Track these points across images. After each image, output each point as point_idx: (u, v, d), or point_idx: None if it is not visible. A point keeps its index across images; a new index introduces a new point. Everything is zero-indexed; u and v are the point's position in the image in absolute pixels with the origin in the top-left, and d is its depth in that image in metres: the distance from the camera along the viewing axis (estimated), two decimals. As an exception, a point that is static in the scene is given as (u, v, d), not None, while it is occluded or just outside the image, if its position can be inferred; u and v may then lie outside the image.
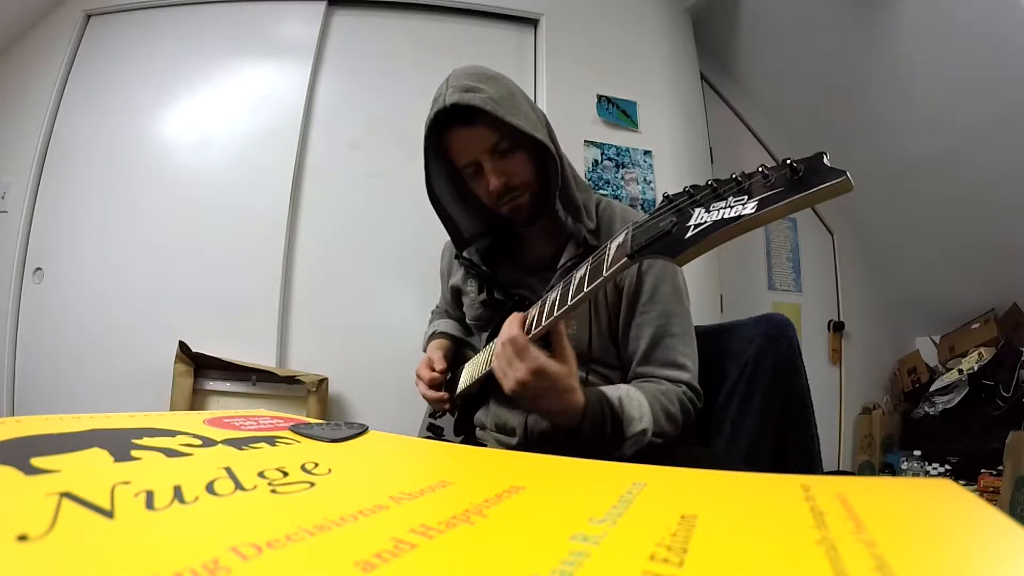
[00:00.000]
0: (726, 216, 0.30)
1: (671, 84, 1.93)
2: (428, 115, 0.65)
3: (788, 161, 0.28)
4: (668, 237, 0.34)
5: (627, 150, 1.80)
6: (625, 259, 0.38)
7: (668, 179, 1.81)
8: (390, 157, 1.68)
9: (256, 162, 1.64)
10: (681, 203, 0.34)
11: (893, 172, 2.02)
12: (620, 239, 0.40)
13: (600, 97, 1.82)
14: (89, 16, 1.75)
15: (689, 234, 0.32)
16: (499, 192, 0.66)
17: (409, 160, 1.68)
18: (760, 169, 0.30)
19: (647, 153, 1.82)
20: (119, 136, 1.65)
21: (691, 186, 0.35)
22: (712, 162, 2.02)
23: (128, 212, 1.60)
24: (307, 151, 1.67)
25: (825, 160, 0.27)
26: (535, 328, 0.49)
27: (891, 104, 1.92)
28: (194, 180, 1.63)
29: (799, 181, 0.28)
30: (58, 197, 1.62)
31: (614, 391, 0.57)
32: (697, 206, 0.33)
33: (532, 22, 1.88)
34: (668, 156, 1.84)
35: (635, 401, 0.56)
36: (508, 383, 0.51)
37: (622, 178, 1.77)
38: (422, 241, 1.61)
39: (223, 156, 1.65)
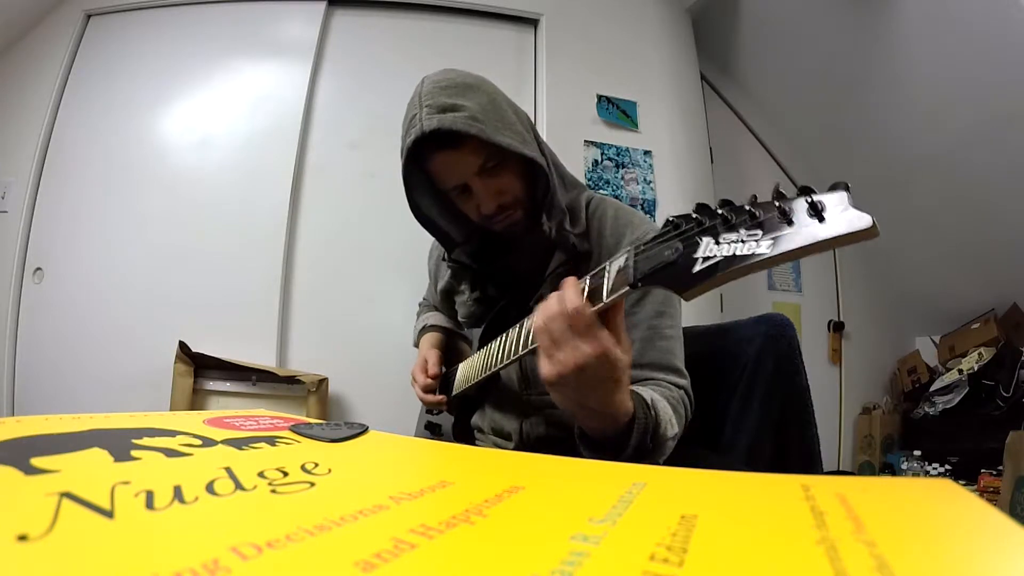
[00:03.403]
0: (738, 253, 0.28)
1: (671, 84, 1.93)
2: (404, 139, 0.59)
3: (810, 198, 0.26)
4: (673, 267, 0.32)
5: (627, 150, 1.80)
6: (627, 287, 0.36)
7: (668, 179, 1.81)
8: (390, 157, 1.65)
9: (256, 162, 1.64)
10: (688, 230, 0.32)
11: (893, 172, 2.02)
12: (620, 262, 0.37)
13: (600, 97, 1.82)
14: (89, 16, 1.75)
15: (697, 268, 0.30)
16: (492, 214, 0.62)
17: (409, 160, 1.69)
18: (776, 203, 0.27)
19: (647, 153, 1.82)
20: (119, 136, 1.65)
21: (698, 206, 0.32)
22: (712, 162, 2.02)
23: (128, 212, 1.60)
24: (307, 151, 1.67)
25: (848, 199, 0.25)
26: (598, 300, 0.39)
27: (891, 104, 1.92)
28: (194, 180, 1.63)
29: (820, 222, 0.25)
30: (58, 197, 1.62)
31: (642, 390, 0.50)
32: (705, 235, 0.30)
33: (532, 22, 1.88)
34: (668, 156, 1.84)
35: (659, 402, 0.51)
36: (556, 366, 0.40)
37: (622, 178, 1.77)
38: (422, 241, 1.61)
39: (223, 156, 1.65)
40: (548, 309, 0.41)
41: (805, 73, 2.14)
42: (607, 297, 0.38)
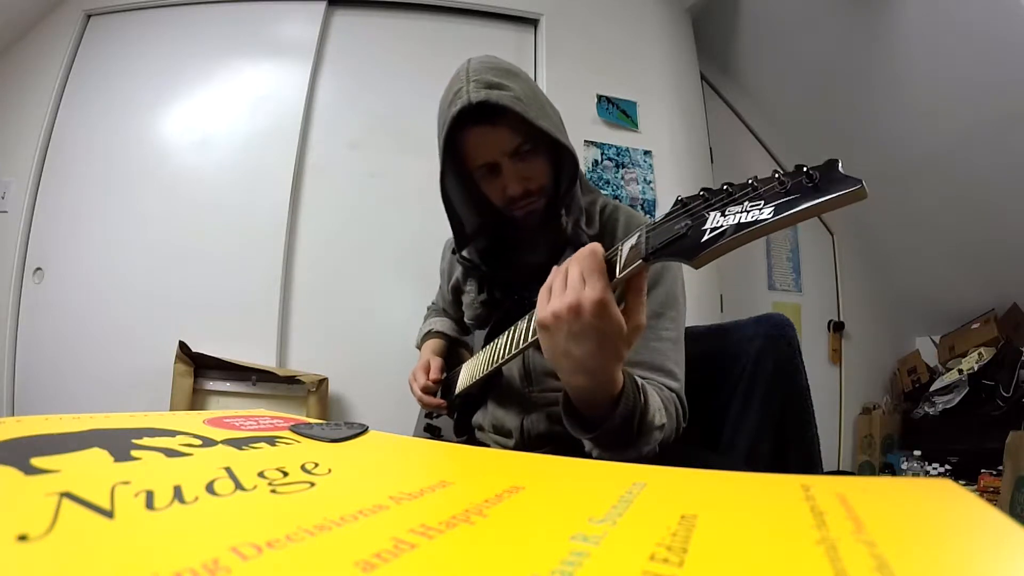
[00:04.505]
0: (743, 220, 0.30)
1: (671, 84, 1.93)
2: (446, 109, 0.60)
3: (804, 168, 0.28)
4: (684, 240, 0.33)
5: (627, 150, 1.80)
6: (640, 261, 0.37)
7: (668, 179, 1.81)
8: (390, 157, 1.68)
9: (256, 162, 1.64)
10: (695, 207, 0.34)
11: (893, 172, 2.02)
12: (632, 241, 0.39)
13: (600, 97, 1.82)
14: (89, 16, 1.75)
15: (706, 237, 0.32)
16: (517, 197, 0.63)
17: (409, 160, 1.69)
18: (776, 175, 0.30)
19: (647, 153, 1.82)
20: (119, 136, 1.65)
21: (704, 189, 0.34)
22: (712, 162, 2.02)
23: (128, 212, 1.60)
24: (307, 151, 1.67)
25: (839, 168, 0.28)
26: (619, 271, 0.39)
27: (891, 104, 1.92)
28: (194, 180, 1.63)
29: (815, 188, 0.28)
30: (58, 197, 1.62)
31: (633, 375, 0.49)
32: (712, 210, 0.32)
33: (532, 22, 1.88)
34: (668, 156, 1.84)
35: (650, 391, 0.50)
36: (554, 304, 0.40)
37: (622, 178, 1.77)
38: (422, 241, 1.62)
39: (223, 156, 1.65)
40: (578, 252, 0.42)
41: (805, 73, 2.14)
42: (620, 273, 0.39)
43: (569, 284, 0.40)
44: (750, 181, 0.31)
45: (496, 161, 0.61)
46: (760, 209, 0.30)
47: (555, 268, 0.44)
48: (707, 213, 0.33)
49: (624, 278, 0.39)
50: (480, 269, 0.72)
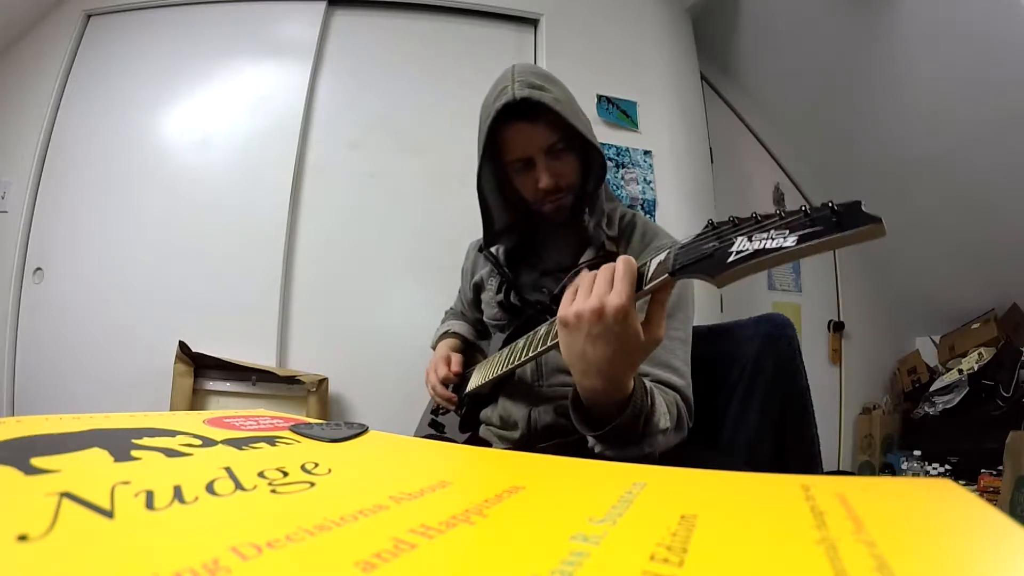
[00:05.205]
0: (767, 246, 0.32)
1: (671, 84, 1.93)
2: (490, 105, 0.65)
3: (830, 204, 0.30)
4: (710, 259, 0.35)
5: (627, 150, 1.80)
6: (666, 275, 0.39)
7: (668, 179, 1.81)
8: (390, 157, 1.68)
9: (256, 162, 1.64)
10: (724, 230, 0.36)
11: (893, 172, 2.02)
12: (661, 257, 0.40)
13: (600, 97, 1.82)
14: (89, 16, 1.75)
15: (731, 259, 0.34)
16: (547, 191, 0.67)
17: (409, 160, 1.69)
18: (802, 208, 0.32)
19: (647, 153, 1.82)
20: (119, 136, 1.65)
21: (733, 217, 0.37)
22: (712, 162, 2.02)
23: (128, 212, 1.60)
24: (307, 151, 1.67)
25: (862, 207, 0.30)
26: (647, 283, 0.41)
27: (891, 104, 1.92)
28: (194, 180, 1.63)
29: (837, 223, 0.29)
30: (58, 197, 1.62)
31: (643, 379, 0.50)
32: (740, 234, 0.34)
33: (532, 22, 1.88)
34: (668, 156, 1.84)
35: (657, 394, 0.51)
36: (587, 303, 0.41)
37: (622, 178, 1.77)
38: (422, 241, 1.62)
39: (223, 156, 1.65)
40: (615, 263, 0.43)
41: (805, 73, 2.14)
42: (647, 285, 0.40)
43: (596, 288, 0.41)
44: (778, 211, 0.33)
45: (532, 156, 0.66)
46: (785, 237, 0.31)
47: (584, 271, 0.45)
48: (734, 237, 0.34)
49: (650, 290, 0.40)
50: (503, 270, 0.76)
